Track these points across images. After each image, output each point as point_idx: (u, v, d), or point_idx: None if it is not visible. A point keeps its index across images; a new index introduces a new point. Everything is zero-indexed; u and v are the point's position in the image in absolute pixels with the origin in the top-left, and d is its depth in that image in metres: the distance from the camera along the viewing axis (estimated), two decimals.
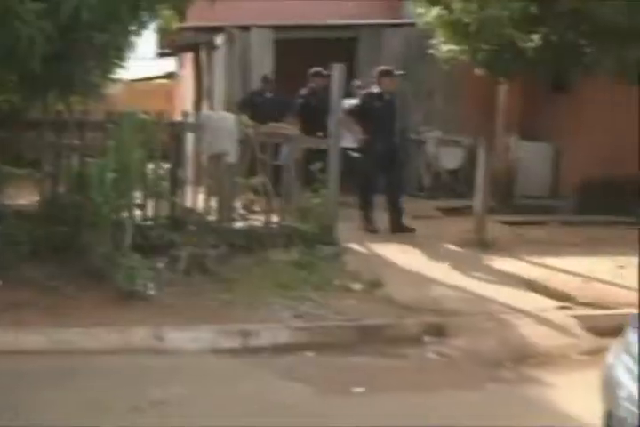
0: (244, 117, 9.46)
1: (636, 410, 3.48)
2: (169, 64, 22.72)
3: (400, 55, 13.03)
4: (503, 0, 6.93)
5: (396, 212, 10.01)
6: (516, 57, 8.52)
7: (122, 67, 9.16)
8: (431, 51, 9.26)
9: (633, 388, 3.59)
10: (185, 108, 16.54)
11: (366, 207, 10.09)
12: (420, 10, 8.19)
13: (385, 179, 10.20)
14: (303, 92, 11.69)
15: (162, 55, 20.49)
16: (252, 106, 11.76)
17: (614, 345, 4.03)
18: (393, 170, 10.17)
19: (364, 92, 10.37)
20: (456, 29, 7.81)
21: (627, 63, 7.20)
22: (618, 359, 3.87)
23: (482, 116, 12.82)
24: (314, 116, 10.29)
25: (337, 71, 8.97)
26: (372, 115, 9.90)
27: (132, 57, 10.80)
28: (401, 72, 10.09)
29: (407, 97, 12.11)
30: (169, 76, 23.46)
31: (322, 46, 13.37)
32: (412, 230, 9.89)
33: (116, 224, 7.46)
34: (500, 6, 6.94)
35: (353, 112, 10.10)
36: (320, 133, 9.63)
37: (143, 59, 19.52)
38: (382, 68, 10.14)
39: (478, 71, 9.01)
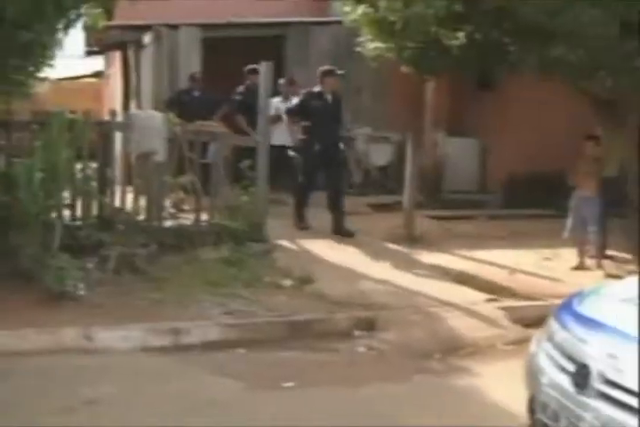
0: (172, 116, 9.43)
1: (556, 395, 3.60)
2: (97, 63, 22.50)
3: (328, 53, 13.11)
4: None
5: (338, 213, 9.88)
6: (441, 55, 8.61)
7: (49, 65, 9.07)
8: (358, 48, 9.31)
9: (554, 374, 3.71)
10: (113, 107, 16.50)
11: (299, 205, 10.04)
12: (347, 8, 8.24)
13: (325, 179, 10.07)
14: (240, 89, 11.68)
15: (90, 54, 20.25)
16: (180, 104, 11.74)
17: (537, 334, 4.16)
18: (333, 170, 9.99)
19: (304, 91, 10.31)
20: (382, 27, 7.88)
21: (549, 61, 7.33)
22: (540, 348, 3.99)
23: (410, 112, 12.96)
24: (250, 114, 10.21)
25: (265, 69, 9.00)
26: (312, 114, 9.79)
27: (59, 55, 10.70)
28: (341, 72, 9.95)
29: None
30: (97, 74, 23.25)
31: (250, 45, 13.39)
32: (351, 235, 9.72)
33: (44, 225, 7.40)
34: (424, 4, 7.02)
35: (292, 111, 10.15)
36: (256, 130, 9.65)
37: (71, 57, 19.33)
38: (324, 67, 10.02)
39: (405, 69, 9.09)
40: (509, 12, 7.09)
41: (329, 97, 9.89)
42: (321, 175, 10.08)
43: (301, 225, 10.00)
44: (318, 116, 9.76)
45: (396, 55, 8.67)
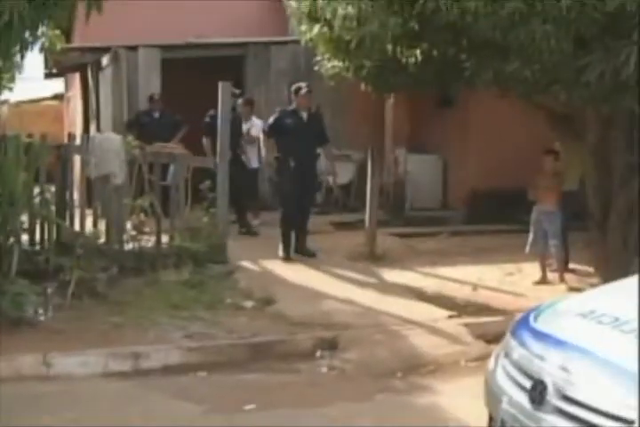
0: (131, 138, 9.38)
1: (515, 412, 3.58)
2: (58, 85, 22.42)
3: (288, 72, 13.15)
4: (381, 16, 7.01)
5: (302, 233, 9.76)
6: (398, 73, 8.61)
7: (7, 89, 9.00)
8: (316, 68, 9.32)
9: (512, 391, 3.69)
10: (74, 130, 16.42)
11: (285, 235, 9.64)
12: (303, 27, 8.24)
13: (297, 198, 9.69)
14: (211, 112, 10.81)
15: (50, 76, 20.15)
16: (140, 126, 11.69)
17: (495, 351, 4.14)
18: (305, 190, 9.71)
19: (279, 109, 10.14)
20: (338, 46, 7.87)
21: (504, 77, 7.36)
22: (498, 365, 3.97)
23: (371, 130, 12.98)
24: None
25: (223, 89, 8.98)
26: (285, 132, 9.59)
27: (19, 78, 10.63)
28: (308, 89, 9.71)
29: None
30: (58, 97, 23.16)
31: (210, 65, 13.39)
32: (313, 255, 9.62)
33: (2, 250, 7.31)
34: (378, 23, 7.03)
35: (265, 131, 10.06)
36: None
37: (32, 80, 19.25)
38: (296, 85, 9.90)
39: (363, 87, 9.11)
40: (463, 29, 7.10)
41: (304, 115, 9.70)
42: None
43: (285, 256, 9.53)
44: (292, 135, 9.49)
45: (353, 74, 8.66)
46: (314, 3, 7.69)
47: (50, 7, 7.49)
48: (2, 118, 19.51)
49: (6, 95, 9.38)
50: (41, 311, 6.99)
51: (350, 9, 7.07)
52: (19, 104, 21.45)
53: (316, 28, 7.84)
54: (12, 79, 12.34)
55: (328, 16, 7.47)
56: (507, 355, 3.88)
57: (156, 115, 12.12)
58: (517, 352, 3.78)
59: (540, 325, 3.84)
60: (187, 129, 12.11)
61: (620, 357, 3.32)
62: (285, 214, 9.71)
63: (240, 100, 11.81)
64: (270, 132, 9.82)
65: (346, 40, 7.47)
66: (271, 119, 9.86)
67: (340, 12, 7.15)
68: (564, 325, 3.77)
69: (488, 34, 6.78)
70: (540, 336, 3.74)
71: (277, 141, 9.69)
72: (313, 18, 7.89)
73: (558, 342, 3.59)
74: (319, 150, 9.92)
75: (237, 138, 10.67)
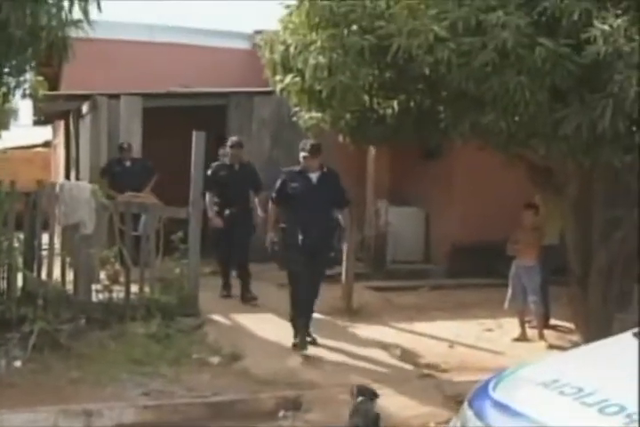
0: (103, 186, 9.19)
1: None
2: (48, 132, 22.42)
3: (270, 123, 13.05)
4: (352, 67, 6.87)
5: (244, 279, 9.95)
6: (376, 124, 8.48)
7: None
8: (294, 119, 9.17)
9: None
10: (58, 177, 16.29)
11: (223, 275, 10.20)
12: (277, 77, 8.10)
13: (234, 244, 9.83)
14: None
15: (39, 123, 20.15)
16: (111, 175, 11.54)
17: (452, 422, 3.87)
18: (238, 240, 9.75)
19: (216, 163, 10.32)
20: (310, 97, 7.72)
21: (480, 128, 7.21)
22: None
23: (352, 182, 12.79)
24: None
25: (197, 138, 8.81)
26: (221, 184, 9.91)
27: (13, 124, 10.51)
28: (237, 141, 10.19)
29: (279, 164, 12.00)
30: (48, 144, 23.15)
31: (193, 114, 13.28)
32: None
33: None
34: (349, 73, 6.89)
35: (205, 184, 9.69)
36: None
37: (22, 127, 19.19)
38: (230, 139, 10.30)
39: (341, 139, 8.95)
40: (437, 80, 6.96)
41: (236, 166, 10.10)
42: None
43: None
44: (226, 187, 9.87)
45: (330, 125, 8.50)
46: (286, 52, 7.54)
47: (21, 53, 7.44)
48: None
49: None
50: None
51: (321, 59, 6.90)
52: (7, 151, 21.37)
53: (289, 78, 7.68)
54: (6, 126, 12.23)
55: (300, 66, 7.32)
56: (463, 425, 3.62)
57: (128, 163, 11.95)
58: (473, 423, 3.51)
59: (499, 394, 3.58)
60: (157, 177, 11.91)
61: None
62: (219, 260, 10.18)
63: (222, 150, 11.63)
64: (207, 185, 9.66)
65: (318, 90, 7.32)
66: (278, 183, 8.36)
67: (311, 61, 6.99)
68: (524, 395, 3.51)
69: (462, 85, 6.64)
70: (498, 407, 3.47)
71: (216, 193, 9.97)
72: (286, 68, 7.75)
73: (516, 415, 3.33)
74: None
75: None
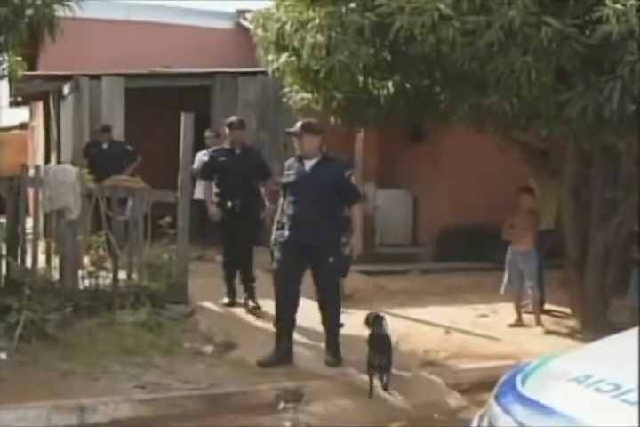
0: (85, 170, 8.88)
1: None
2: (23, 113, 22.00)
3: (255, 104, 12.79)
4: (351, 46, 6.64)
5: (246, 281, 8.69)
6: (369, 105, 8.29)
7: None
8: (284, 99, 8.94)
9: None
10: (37, 160, 15.95)
11: (226, 278, 8.77)
12: (270, 56, 7.86)
13: (236, 241, 8.58)
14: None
15: (17, 104, 19.73)
16: (89, 157, 11.25)
17: (475, 418, 3.68)
18: (241, 238, 8.53)
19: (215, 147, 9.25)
20: (306, 76, 7.49)
21: (481, 111, 7.02)
22: None
23: None
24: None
25: (185, 121, 8.55)
26: (220, 172, 8.60)
27: None
28: (237, 121, 8.73)
29: (265, 148, 11.78)
30: (24, 126, 22.74)
31: (176, 95, 13.03)
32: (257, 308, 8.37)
33: None
34: (348, 52, 6.66)
35: (200, 171, 9.27)
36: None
37: None
38: (228, 119, 8.93)
39: (332, 120, 8.73)
40: (438, 60, 6.76)
41: (237, 151, 8.63)
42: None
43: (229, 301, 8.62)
44: (225, 173, 8.55)
45: (322, 106, 8.29)
46: (281, 30, 7.30)
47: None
48: None
49: None
50: None
51: (319, 37, 6.69)
52: None
53: (284, 58, 7.45)
54: None
55: (296, 45, 7.09)
56: (490, 423, 3.44)
57: (105, 146, 11.67)
58: (503, 421, 3.32)
59: (529, 390, 3.39)
60: (139, 161, 11.66)
61: None
62: (223, 262, 8.83)
63: (208, 132, 11.41)
64: (203, 172, 9.04)
65: (314, 70, 7.10)
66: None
67: (309, 40, 6.77)
68: (557, 392, 3.31)
69: (465, 65, 6.45)
70: (529, 404, 3.28)
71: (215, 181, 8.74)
72: (280, 46, 7.50)
73: (552, 413, 3.14)
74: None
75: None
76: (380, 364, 6.15)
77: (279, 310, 6.88)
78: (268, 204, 8.65)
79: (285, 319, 6.85)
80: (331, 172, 6.85)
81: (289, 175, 6.98)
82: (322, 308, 6.87)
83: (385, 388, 6.17)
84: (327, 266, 6.75)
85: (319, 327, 6.98)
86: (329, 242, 6.78)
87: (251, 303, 8.47)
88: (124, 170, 11.05)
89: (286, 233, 6.84)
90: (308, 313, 6.96)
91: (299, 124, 6.97)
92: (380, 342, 6.27)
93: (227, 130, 8.74)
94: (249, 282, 8.60)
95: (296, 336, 6.99)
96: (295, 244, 6.81)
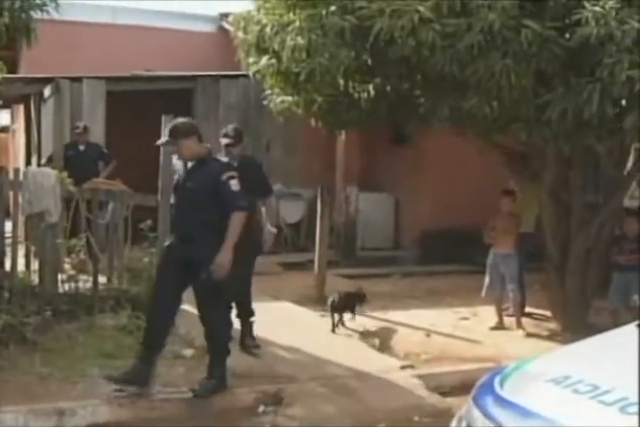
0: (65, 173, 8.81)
1: None
2: (4, 117, 21.92)
3: (237, 107, 12.77)
4: (332, 48, 6.63)
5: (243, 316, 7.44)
6: (350, 108, 8.28)
7: None
8: (265, 102, 8.92)
9: None
10: (17, 164, 15.84)
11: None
12: (251, 59, 7.84)
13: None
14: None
15: None
16: (65, 159, 11.17)
17: (454, 420, 3.66)
18: (240, 260, 6.34)
19: None
20: (287, 79, 7.48)
21: (461, 114, 7.02)
22: None
23: (322, 167, 12.64)
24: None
25: (167, 123, 8.49)
26: None
27: None
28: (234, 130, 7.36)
29: (247, 151, 11.73)
30: (5, 129, 22.64)
31: (158, 98, 12.98)
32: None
33: None
34: (328, 55, 6.65)
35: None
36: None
37: None
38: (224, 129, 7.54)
39: (314, 123, 8.73)
40: (419, 63, 6.76)
41: (234, 164, 7.01)
42: None
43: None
44: None
45: (303, 109, 8.28)
46: (261, 33, 7.29)
47: None
48: None
49: None
50: None
51: (300, 40, 6.68)
52: None
53: (264, 60, 7.44)
54: None
55: (276, 47, 7.08)
56: (468, 424, 3.43)
57: (82, 147, 11.59)
58: (481, 422, 3.31)
59: (507, 392, 3.37)
60: (115, 164, 11.57)
61: None
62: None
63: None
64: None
65: (295, 72, 7.09)
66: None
67: (289, 42, 6.76)
68: (535, 393, 3.31)
69: (445, 68, 6.45)
70: (507, 405, 3.27)
71: None
72: (261, 49, 7.49)
73: (529, 414, 3.13)
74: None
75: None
76: (334, 304, 8.08)
77: (147, 320, 6.40)
78: (269, 227, 7.50)
79: (150, 334, 6.19)
80: (206, 174, 6.03)
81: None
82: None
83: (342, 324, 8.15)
84: (200, 283, 5.96)
85: (297, 335, 6.98)
86: (203, 255, 5.87)
87: (248, 341, 7.31)
88: (99, 172, 10.99)
89: (167, 241, 6.37)
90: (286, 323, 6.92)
91: (166, 132, 6.33)
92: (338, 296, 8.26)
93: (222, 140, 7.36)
94: (247, 317, 7.40)
95: (274, 340, 6.96)
96: (172, 253, 6.18)
